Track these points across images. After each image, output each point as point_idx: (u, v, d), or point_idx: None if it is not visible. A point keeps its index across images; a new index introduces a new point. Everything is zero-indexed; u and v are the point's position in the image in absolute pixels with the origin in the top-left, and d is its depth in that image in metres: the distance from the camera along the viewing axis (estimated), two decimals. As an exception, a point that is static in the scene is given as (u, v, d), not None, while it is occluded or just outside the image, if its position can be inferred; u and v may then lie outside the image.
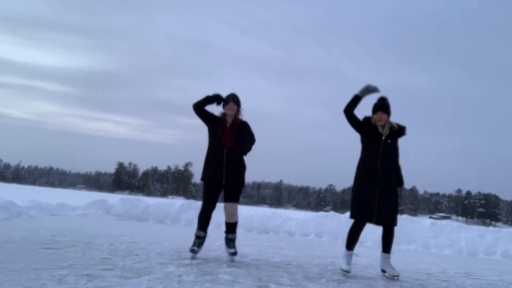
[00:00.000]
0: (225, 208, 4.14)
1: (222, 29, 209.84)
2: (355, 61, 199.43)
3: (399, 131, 3.98)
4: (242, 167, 4.18)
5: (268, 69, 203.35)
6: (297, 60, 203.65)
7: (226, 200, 4.13)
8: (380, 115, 3.93)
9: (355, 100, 3.94)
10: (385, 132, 3.94)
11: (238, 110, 4.18)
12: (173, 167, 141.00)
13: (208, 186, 4.13)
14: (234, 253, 4.01)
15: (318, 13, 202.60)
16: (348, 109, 3.96)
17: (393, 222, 3.91)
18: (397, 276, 3.74)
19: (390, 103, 4.02)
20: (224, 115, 4.18)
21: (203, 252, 4.30)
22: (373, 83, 4.01)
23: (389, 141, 3.92)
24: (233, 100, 4.16)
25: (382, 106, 3.96)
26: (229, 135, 4.10)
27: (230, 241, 4.09)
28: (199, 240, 4.06)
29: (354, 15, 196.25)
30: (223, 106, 4.18)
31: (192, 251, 3.94)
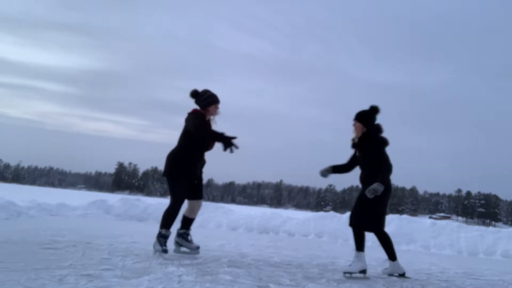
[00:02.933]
0: (197, 204, 4.19)
1: (223, 28, 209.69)
2: (358, 60, 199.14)
3: (363, 138, 3.89)
4: None
5: (269, 68, 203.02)
6: (298, 59, 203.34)
7: (201, 197, 4.23)
8: (353, 124, 4.00)
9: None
10: (355, 140, 3.98)
11: None
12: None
13: (187, 185, 4.06)
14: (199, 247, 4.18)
15: (320, 12, 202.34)
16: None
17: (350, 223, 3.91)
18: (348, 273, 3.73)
19: (375, 110, 3.94)
20: (205, 115, 4.07)
21: (203, 252, 4.30)
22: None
23: (356, 153, 3.99)
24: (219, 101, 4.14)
25: (356, 113, 3.96)
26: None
27: (189, 236, 4.19)
28: (166, 240, 4.00)
29: (357, 14, 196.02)
30: (208, 107, 4.06)
31: (165, 251, 3.91)
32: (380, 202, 3.79)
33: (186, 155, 4.01)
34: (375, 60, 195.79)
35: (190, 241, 4.18)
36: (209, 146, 4.09)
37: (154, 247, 3.97)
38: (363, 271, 3.73)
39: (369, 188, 3.63)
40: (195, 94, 4.09)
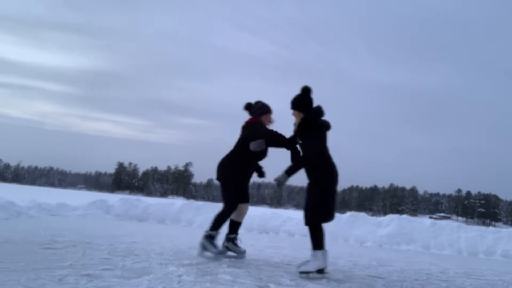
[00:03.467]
0: (245, 207, 4.31)
1: (223, 28, 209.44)
2: (359, 60, 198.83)
3: (300, 124, 3.69)
4: None
5: (269, 68, 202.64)
6: (299, 58, 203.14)
7: (248, 200, 4.33)
8: (292, 114, 3.83)
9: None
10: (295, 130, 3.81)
11: None
12: (173, 167, 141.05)
13: (239, 189, 4.15)
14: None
15: (321, 11, 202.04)
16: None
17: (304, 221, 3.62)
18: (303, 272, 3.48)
19: (306, 91, 3.72)
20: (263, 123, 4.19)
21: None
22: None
23: (300, 141, 3.73)
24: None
25: (291, 101, 3.76)
26: None
27: (237, 240, 4.28)
28: (215, 241, 4.08)
29: (357, 13, 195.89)
30: (261, 116, 4.17)
31: (223, 252, 4.04)
32: (327, 192, 3.56)
33: (241, 161, 4.11)
34: (376, 59, 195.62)
35: (238, 246, 4.28)
36: (263, 155, 4.19)
37: (203, 248, 4.00)
38: (321, 271, 3.50)
39: (274, 178, 3.57)
40: (248, 107, 4.25)
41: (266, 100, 4.25)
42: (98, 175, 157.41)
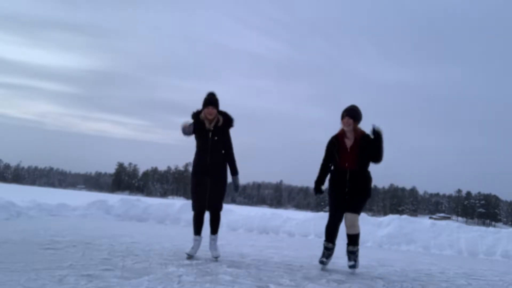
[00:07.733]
0: (345, 218, 4.05)
1: (227, 25, 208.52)
2: (366, 59, 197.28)
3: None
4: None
5: (271, 67, 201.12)
6: (303, 57, 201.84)
7: (348, 210, 4.02)
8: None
9: None
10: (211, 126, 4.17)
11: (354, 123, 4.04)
12: (173, 168, 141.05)
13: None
14: (352, 266, 3.94)
15: (328, 8, 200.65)
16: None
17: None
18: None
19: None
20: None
21: (203, 252, 4.30)
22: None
23: (215, 137, 4.12)
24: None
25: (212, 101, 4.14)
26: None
27: (350, 254, 4.03)
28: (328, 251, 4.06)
29: (364, 11, 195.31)
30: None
31: (321, 262, 3.99)
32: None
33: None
34: (383, 57, 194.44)
35: (348, 258, 4.12)
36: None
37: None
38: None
39: None
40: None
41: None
42: (98, 175, 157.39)
